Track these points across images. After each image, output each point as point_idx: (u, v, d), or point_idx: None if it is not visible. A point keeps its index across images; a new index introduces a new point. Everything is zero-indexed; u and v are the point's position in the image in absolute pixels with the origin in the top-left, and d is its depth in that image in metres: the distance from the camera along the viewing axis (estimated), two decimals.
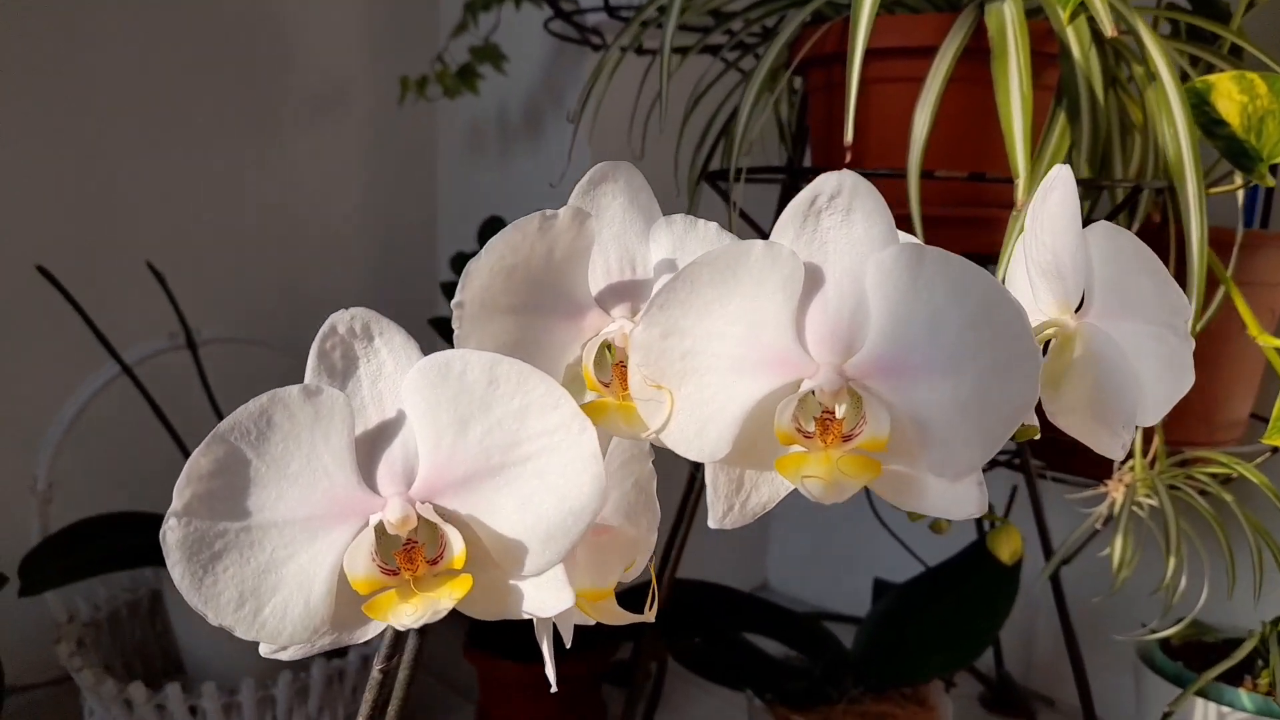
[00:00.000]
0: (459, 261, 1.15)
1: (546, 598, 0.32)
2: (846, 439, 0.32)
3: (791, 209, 0.32)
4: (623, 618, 0.40)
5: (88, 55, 1.23)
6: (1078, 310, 0.39)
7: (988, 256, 0.81)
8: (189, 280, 1.29)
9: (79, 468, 1.14)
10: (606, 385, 0.35)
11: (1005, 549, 0.82)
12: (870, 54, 0.77)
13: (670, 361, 0.32)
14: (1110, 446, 0.37)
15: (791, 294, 0.32)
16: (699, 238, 0.37)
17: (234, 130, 1.37)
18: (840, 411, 0.32)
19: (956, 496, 0.32)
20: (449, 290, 1.15)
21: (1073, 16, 0.66)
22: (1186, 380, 0.35)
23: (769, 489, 0.34)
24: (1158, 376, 0.36)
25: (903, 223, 0.45)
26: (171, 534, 0.29)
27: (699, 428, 0.32)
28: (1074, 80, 0.67)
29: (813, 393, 0.32)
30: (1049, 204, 0.39)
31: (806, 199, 0.32)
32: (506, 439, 0.32)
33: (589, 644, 1.15)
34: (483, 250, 0.32)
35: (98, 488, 1.22)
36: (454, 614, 0.32)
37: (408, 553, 0.31)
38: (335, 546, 0.31)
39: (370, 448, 0.32)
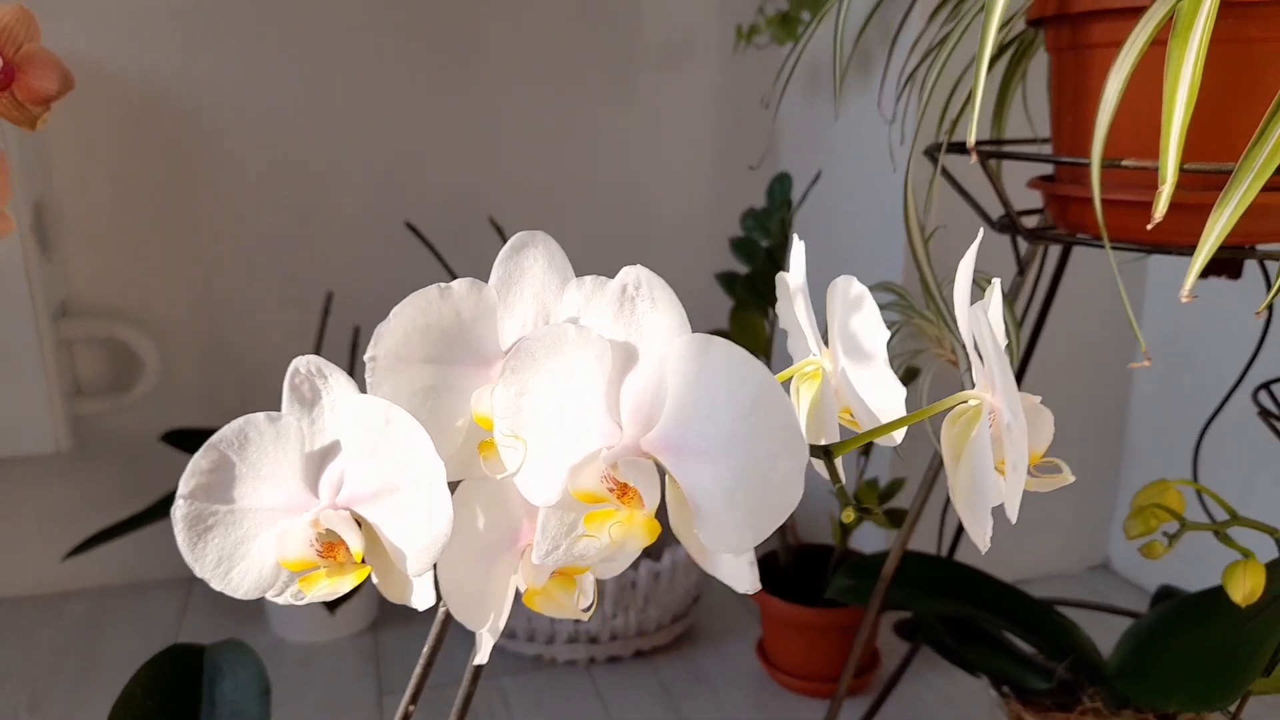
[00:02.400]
0: (747, 219, 1.19)
1: (423, 595, 0.40)
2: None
3: (608, 293, 0.35)
4: (566, 611, 0.46)
5: (465, 15, 1.45)
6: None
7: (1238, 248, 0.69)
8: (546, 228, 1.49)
9: None
10: None
11: (1239, 588, 0.71)
12: (1092, 15, 0.68)
13: (524, 416, 0.38)
14: (976, 534, 0.35)
15: (603, 370, 0.35)
16: (604, 296, 0.41)
17: (590, 83, 1.54)
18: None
19: (736, 570, 0.34)
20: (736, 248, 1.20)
21: None
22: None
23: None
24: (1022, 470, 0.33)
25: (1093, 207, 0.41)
26: (178, 510, 0.41)
27: (541, 474, 0.38)
28: None
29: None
30: (960, 273, 0.36)
31: (619, 286, 0.35)
32: (396, 468, 0.40)
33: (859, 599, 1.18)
34: (391, 314, 0.40)
35: None
36: None
37: (330, 544, 0.41)
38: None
39: (322, 459, 0.42)
